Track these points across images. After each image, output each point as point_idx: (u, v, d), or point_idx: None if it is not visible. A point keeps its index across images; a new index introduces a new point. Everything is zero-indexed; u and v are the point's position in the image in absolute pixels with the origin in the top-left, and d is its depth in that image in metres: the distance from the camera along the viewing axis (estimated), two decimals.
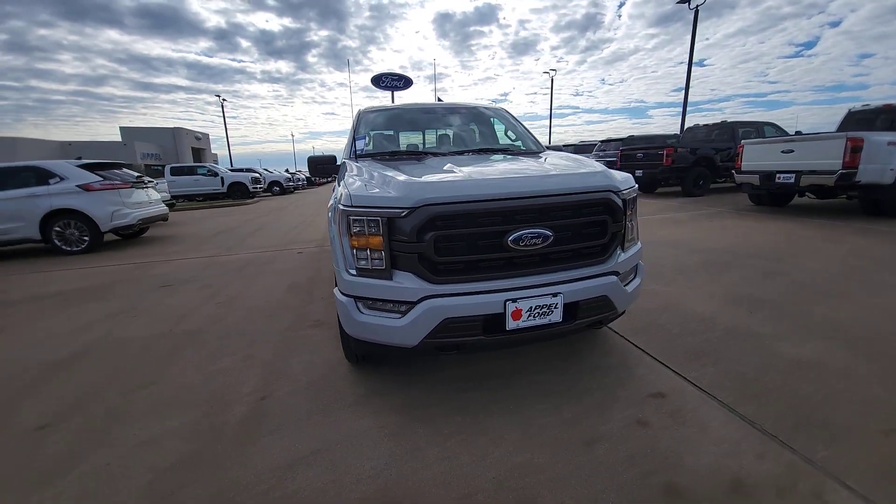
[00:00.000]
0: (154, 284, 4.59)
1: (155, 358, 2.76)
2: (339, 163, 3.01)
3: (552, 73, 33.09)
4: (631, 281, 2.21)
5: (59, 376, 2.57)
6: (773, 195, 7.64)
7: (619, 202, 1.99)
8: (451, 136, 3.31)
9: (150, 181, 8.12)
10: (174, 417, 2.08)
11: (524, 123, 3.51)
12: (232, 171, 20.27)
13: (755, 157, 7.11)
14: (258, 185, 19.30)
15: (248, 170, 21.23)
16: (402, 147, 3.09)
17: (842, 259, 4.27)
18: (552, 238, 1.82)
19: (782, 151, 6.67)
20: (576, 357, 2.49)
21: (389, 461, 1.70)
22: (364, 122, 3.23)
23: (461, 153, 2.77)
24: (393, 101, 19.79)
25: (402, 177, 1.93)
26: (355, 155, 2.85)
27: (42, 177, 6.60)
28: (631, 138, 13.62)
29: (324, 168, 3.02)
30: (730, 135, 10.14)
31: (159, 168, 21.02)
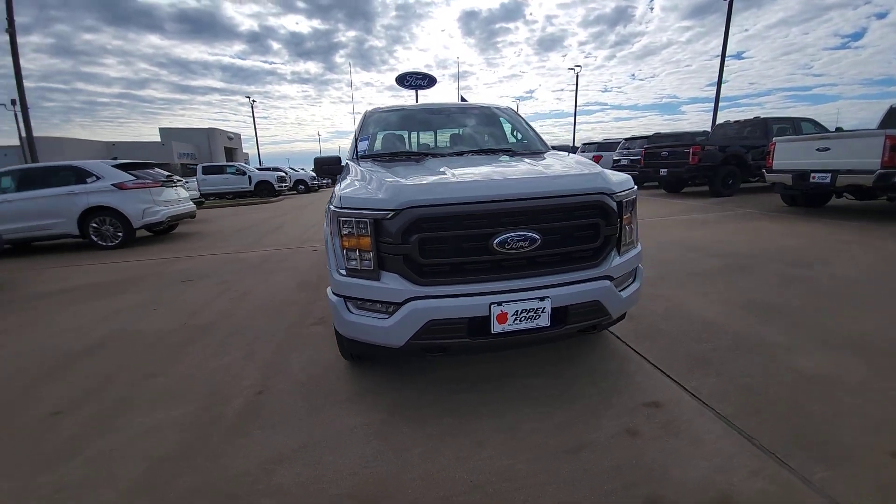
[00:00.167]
0: (176, 279, 4.81)
1: (166, 350, 2.89)
2: (343, 164, 3.06)
3: (577, 69, 32.34)
4: (628, 286, 2.14)
5: (78, 365, 2.73)
6: (807, 196, 7.22)
7: (613, 204, 1.94)
8: (455, 137, 3.30)
9: (178, 180, 8.50)
10: (176, 408, 2.18)
11: (531, 123, 3.45)
12: (259, 169, 20.95)
13: (788, 156, 6.73)
14: (283, 184, 19.85)
15: (275, 169, 21.87)
16: (406, 148, 3.10)
17: (876, 266, 4.00)
18: (540, 241, 1.79)
19: (817, 149, 6.29)
20: (572, 361, 2.44)
21: (372, 460, 1.72)
22: (368, 123, 3.27)
23: (461, 154, 2.76)
24: (417, 101, 19.91)
25: (390, 179, 1.95)
26: (357, 156, 2.88)
27: (80, 176, 7.03)
28: (657, 136, 13.17)
29: (329, 169, 3.07)
30: (763, 131, 9.64)
31: (193, 167, 21.94)
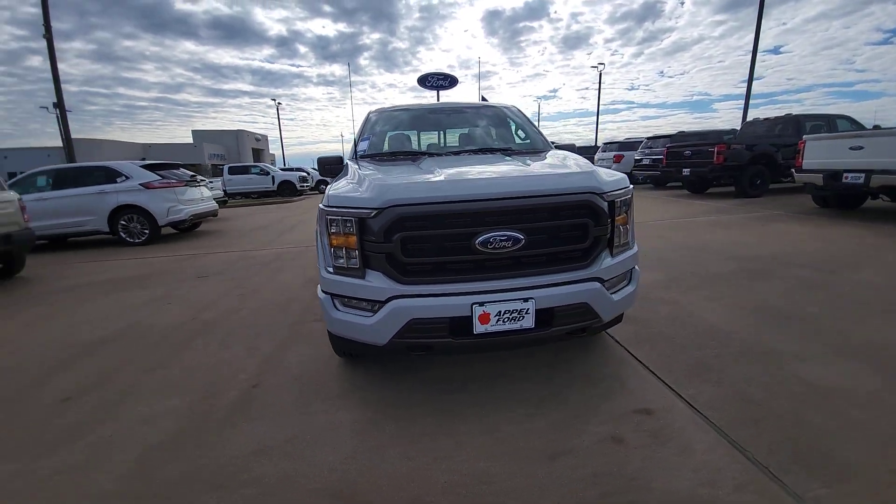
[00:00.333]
0: (191, 275, 5.00)
1: (173, 343, 3.00)
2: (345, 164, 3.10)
3: (600, 67, 31.66)
4: (621, 288, 2.08)
5: (93, 355, 2.87)
6: (840, 197, 6.82)
7: (604, 204, 1.88)
8: (456, 136, 3.29)
9: (202, 180, 8.83)
10: (175, 398, 2.26)
11: (533, 122, 3.40)
12: (283, 170, 21.51)
13: (819, 155, 6.37)
14: (305, 184, 20.29)
15: (297, 169, 22.40)
16: (407, 148, 3.11)
17: None
18: (524, 241, 1.76)
19: (850, 148, 5.93)
20: (566, 365, 2.38)
21: (351, 456, 1.73)
22: (370, 123, 3.30)
23: (458, 154, 2.75)
24: (438, 101, 19.97)
25: (375, 178, 1.96)
26: (356, 156, 2.92)
27: (111, 175, 7.40)
28: (680, 134, 12.74)
29: (331, 168, 3.12)
30: (795, 129, 9.16)
31: (223, 167, 22.75)
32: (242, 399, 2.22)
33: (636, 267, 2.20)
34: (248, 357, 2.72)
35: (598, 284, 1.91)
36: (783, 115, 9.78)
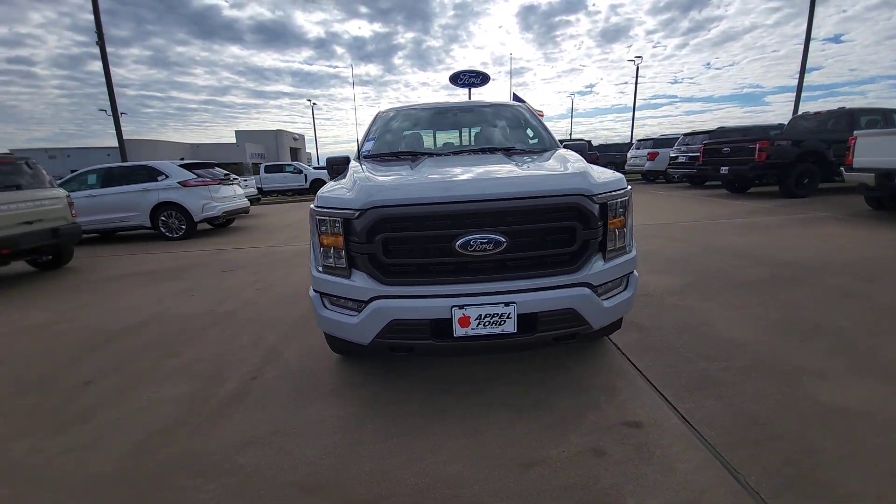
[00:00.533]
0: (218, 269, 5.27)
1: (191, 332, 3.18)
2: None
3: (637, 60, 30.35)
4: (615, 294, 1.99)
5: (119, 341, 3.09)
6: (895, 198, 6.20)
7: (594, 207, 1.81)
8: (462, 136, 3.26)
9: (234, 178, 9.26)
10: (181, 386, 2.39)
11: (543, 120, 3.32)
12: (315, 168, 22.18)
13: (871, 152, 5.81)
14: None
15: None
16: (410, 148, 3.12)
17: None
18: (506, 244, 1.73)
19: None
20: (559, 370, 2.32)
21: (329, 452, 1.77)
22: (377, 123, 3.33)
23: (459, 154, 2.73)
24: (470, 99, 19.91)
25: (364, 180, 1.98)
26: (360, 156, 2.96)
27: (152, 174, 7.91)
28: (720, 130, 12.00)
29: (338, 168, 3.17)
30: (848, 124, 8.40)
31: (260, 166, 23.75)
32: (241, 390, 2.32)
33: (634, 272, 2.10)
34: (253, 349, 2.84)
35: (586, 290, 1.84)
36: (835, 109, 9.00)
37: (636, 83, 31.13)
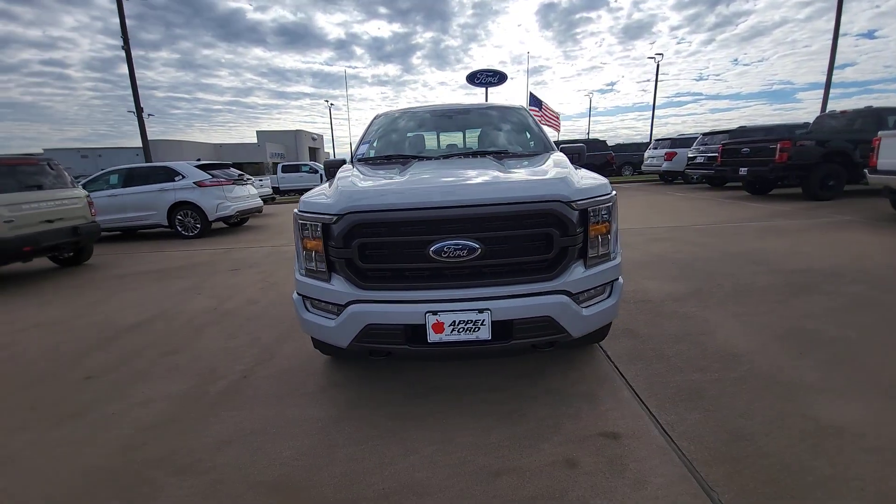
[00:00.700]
0: (226, 268, 5.40)
1: (192, 330, 3.27)
2: None
3: (658, 57, 29.59)
4: (597, 302, 1.95)
5: (124, 338, 3.21)
6: None
7: (572, 214, 1.77)
8: (457, 139, 3.25)
9: (248, 178, 9.48)
10: (175, 383, 2.47)
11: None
12: None
13: None
14: None
15: None
16: (404, 151, 3.13)
17: None
18: (480, 250, 1.71)
19: None
20: (543, 378, 2.28)
21: (305, 453, 1.79)
22: (373, 126, 3.36)
23: (449, 157, 2.72)
24: (486, 99, 19.83)
25: (346, 184, 2.00)
26: (353, 160, 2.99)
27: (170, 175, 8.18)
28: (741, 129, 11.58)
29: (334, 171, 3.21)
30: (876, 124, 7.99)
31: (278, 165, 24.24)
32: (231, 388, 2.37)
33: (619, 279, 2.05)
34: (249, 347, 2.90)
35: (564, 297, 1.80)
36: (863, 107, 8.57)
37: (656, 81, 30.39)
